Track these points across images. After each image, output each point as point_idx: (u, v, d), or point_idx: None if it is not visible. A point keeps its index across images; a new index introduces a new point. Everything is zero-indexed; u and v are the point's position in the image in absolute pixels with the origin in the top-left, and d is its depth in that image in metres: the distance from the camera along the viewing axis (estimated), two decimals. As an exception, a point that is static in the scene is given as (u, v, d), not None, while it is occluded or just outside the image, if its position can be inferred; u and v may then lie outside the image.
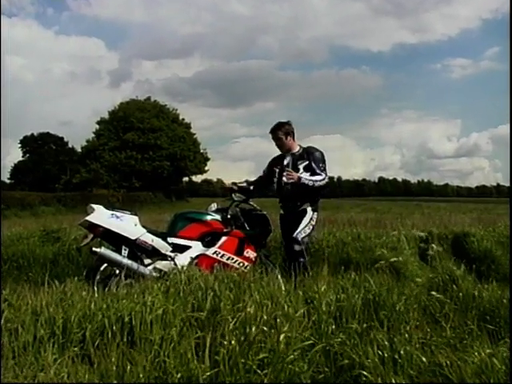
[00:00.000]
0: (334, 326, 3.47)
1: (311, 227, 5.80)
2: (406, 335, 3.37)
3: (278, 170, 5.99)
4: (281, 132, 5.90)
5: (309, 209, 5.80)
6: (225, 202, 6.23)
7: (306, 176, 5.66)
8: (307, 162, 5.78)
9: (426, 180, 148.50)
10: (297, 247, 5.67)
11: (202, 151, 65.15)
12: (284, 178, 5.72)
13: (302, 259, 5.59)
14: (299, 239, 5.69)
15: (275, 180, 6.02)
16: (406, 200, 63.40)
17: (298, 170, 5.73)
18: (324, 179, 5.71)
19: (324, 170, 5.78)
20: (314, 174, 5.70)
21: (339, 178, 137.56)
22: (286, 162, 5.91)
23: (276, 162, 6.08)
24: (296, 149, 5.95)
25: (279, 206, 6.07)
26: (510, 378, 2.81)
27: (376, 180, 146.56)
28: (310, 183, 5.62)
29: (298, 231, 5.71)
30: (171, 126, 60.74)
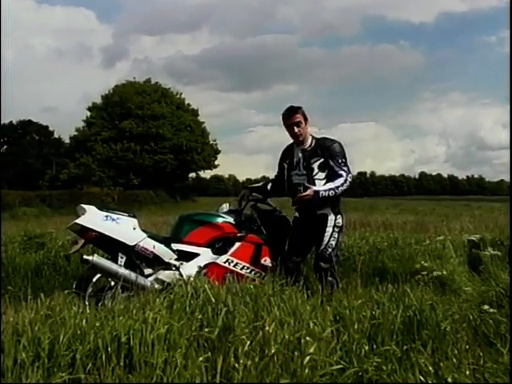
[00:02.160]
0: (367, 348, 3.46)
1: (337, 235, 5.66)
2: (454, 360, 3.34)
3: (286, 166, 5.84)
4: (299, 114, 5.67)
5: (329, 212, 5.62)
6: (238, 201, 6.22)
7: (322, 187, 5.46)
8: (322, 160, 5.58)
9: (476, 176, 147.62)
10: (324, 265, 5.57)
11: (211, 142, 65.28)
12: (301, 192, 5.49)
13: (331, 278, 5.51)
14: (326, 255, 5.59)
15: (285, 178, 5.86)
16: (453, 199, 63.12)
17: (311, 170, 5.61)
18: (346, 180, 5.50)
19: (345, 165, 5.58)
20: (331, 173, 5.53)
21: (372, 174, 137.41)
22: (296, 159, 5.74)
23: (285, 155, 5.94)
24: (308, 141, 5.73)
25: (294, 209, 5.95)
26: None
27: (416, 176, 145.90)
28: (332, 193, 5.42)
29: (322, 247, 5.59)
30: (175, 112, 60.91)
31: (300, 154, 5.71)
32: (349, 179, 5.52)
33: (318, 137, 5.79)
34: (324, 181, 5.55)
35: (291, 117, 5.68)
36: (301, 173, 5.68)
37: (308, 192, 5.40)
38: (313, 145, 5.68)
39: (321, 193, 5.41)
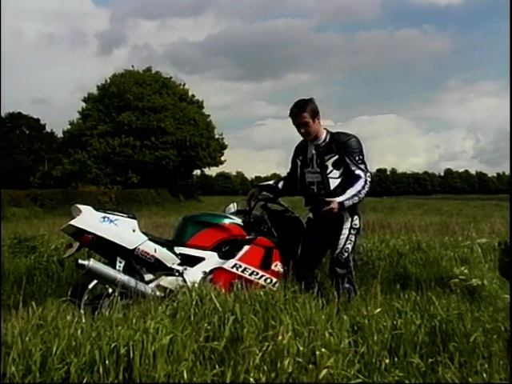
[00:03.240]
0: (388, 361, 3.46)
1: (354, 238, 5.63)
2: (484, 375, 3.33)
3: (299, 163, 5.82)
4: (307, 113, 5.57)
5: (345, 213, 5.56)
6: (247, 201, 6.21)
7: (345, 195, 5.36)
8: (337, 156, 5.53)
9: (507, 173, 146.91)
10: (340, 270, 5.55)
11: (217, 137, 65.51)
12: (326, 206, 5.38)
13: (347, 285, 5.50)
14: (342, 260, 5.57)
15: (298, 176, 5.84)
16: (482, 199, 62.94)
17: (325, 168, 5.57)
18: (366, 181, 5.44)
19: (362, 162, 5.51)
20: (347, 171, 5.49)
21: (393, 171, 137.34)
22: (309, 156, 5.72)
23: (299, 150, 5.92)
24: (322, 136, 5.67)
25: (307, 209, 5.93)
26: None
27: (442, 173, 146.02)
28: (356, 199, 5.38)
29: (338, 250, 5.56)
30: (178, 104, 61.10)
31: (313, 151, 5.68)
32: (368, 179, 5.47)
33: (333, 131, 5.74)
34: (339, 179, 5.53)
35: (297, 117, 5.62)
36: (314, 170, 5.66)
37: (332, 206, 5.33)
38: (327, 140, 5.63)
39: (346, 203, 5.34)
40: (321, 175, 5.61)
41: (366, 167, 5.52)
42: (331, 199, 5.39)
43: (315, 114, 5.59)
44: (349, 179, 5.47)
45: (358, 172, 5.44)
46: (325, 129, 5.70)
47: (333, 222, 5.54)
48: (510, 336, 3.72)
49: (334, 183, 5.54)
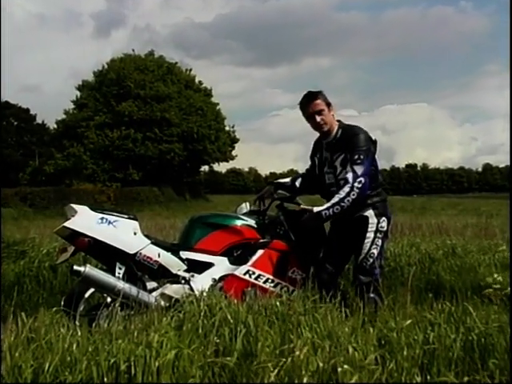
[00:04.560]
0: (419, 379, 3.45)
1: (380, 242, 5.61)
2: (528, 394, 3.32)
3: (317, 162, 5.84)
4: (321, 100, 5.59)
5: (371, 215, 5.56)
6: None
7: (325, 205, 5.36)
8: (343, 155, 5.50)
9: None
10: (364, 278, 5.55)
11: (227, 129, 65.61)
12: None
13: (373, 294, 5.48)
14: (366, 267, 5.57)
15: (317, 175, 5.86)
16: (525, 197, 62.56)
17: (334, 169, 5.59)
18: (353, 188, 5.26)
19: (361, 163, 5.36)
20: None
21: (424, 167, 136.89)
22: (325, 154, 5.72)
23: (317, 147, 5.93)
24: (333, 132, 5.66)
25: None
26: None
27: (479, 168, 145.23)
28: (337, 209, 5.30)
29: (362, 256, 5.56)
30: (184, 92, 61.23)
31: (325, 151, 5.72)
32: (356, 185, 5.31)
33: (346, 124, 5.72)
34: None
35: (310, 104, 5.60)
36: (330, 171, 5.68)
37: (307, 217, 5.45)
38: (338, 135, 5.62)
39: (324, 213, 5.35)
40: (333, 176, 5.63)
41: (363, 170, 5.36)
42: (308, 208, 5.49)
43: (328, 104, 5.62)
44: (340, 185, 5.46)
45: (347, 175, 5.36)
46: (338, 121, 5.70)
47: (357, 224, 5.54)
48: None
49: None
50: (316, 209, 5.38)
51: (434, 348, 3.74)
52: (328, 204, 5.34)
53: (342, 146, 5.52)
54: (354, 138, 5.45)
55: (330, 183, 5.67)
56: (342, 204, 5.29)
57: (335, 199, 5.31)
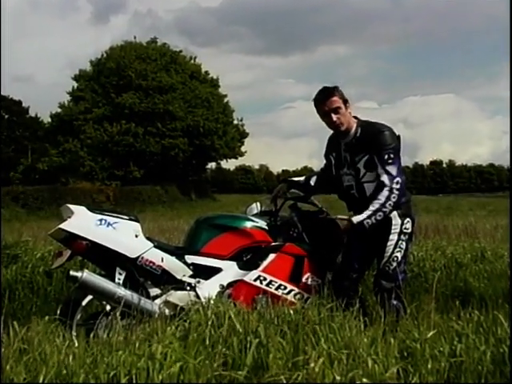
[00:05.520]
0: (446, 394, 3.45)
1: (404, 245, 5.58)
2: None
3: (333, 161, 5.82)
4: (337, 97, 5.54)
5: (395, 215, 5.51)
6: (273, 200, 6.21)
7: (365, 214, 5.33)
8: (368, 156, 5.47)
9: None
10: (386, 284, 5.51)
11: (236, 122, 65.55)
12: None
13: (395, 302, 5.42)
14: (389, 272, 5.54)
15: (334, 175, 5.83)
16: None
17: (357, 171, 5.54)
18: (392, 190, 5.33)
19: (393, 163, 5.38)
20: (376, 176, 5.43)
21: (451, 163, 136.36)
22: (343, 155, 5.68)
23: (332, 144, 5.92)
24: (352, 130, 5.62)
25: (346, 208, 5.92)
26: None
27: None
28: (380, 215, 5.32)
29: (385, 260, 5.53)
30: (189, 83, 61.20)
31: (343, 152, 5.68)
32: (395, 186, 5.34)
33: (365, 121, 5.70)
34: (375, 183, 5.47)
35: (326, 101, 5.55)
36: (349, 172, 5.66)
37: (346, 226, 5.47)
38: (358, 134, 5.59)
39: (366, 222, 5.34)
40: (355, 179, 5.60)
41: (396, 169, 5.39)
42: (345, 217, 5.51)
43: (345, 101, 5.58)
44: (376, 189, 5.43)
45: (382, 178, 5.36)
46: (355, 118, 5.68)
47: (379, 225, 5.47)
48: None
49: (369, 189, 5.50)
50: (355, 219, 5.35)
51: (461, 361, 3.72)
52: (368, 212, 5.32)
53: (364, 147, 5.49)
54: (379, 136, 5.43)
55: (348, 185, 5.65)
56: (384, 210, 5.31)
57: (376, 205, 5.31)
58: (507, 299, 6.29)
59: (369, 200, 5.40)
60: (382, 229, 5.49)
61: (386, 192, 5.30)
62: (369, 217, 5.30)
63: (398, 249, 5.52)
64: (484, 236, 11.48)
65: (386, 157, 5.34)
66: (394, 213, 5.49)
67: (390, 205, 5.30)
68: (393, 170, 5.34)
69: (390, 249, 5.50)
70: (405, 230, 5.56)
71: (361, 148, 5.50)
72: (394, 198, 5.30)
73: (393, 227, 5.51)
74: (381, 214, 5.30)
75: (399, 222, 5.52)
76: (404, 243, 5.56)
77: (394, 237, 5.51)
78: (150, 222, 18.89)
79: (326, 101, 5.54)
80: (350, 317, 4.47)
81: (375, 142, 5.41)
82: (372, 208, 5.31)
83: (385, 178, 5.33)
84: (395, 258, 5.51)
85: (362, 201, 5.51)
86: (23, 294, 7.87)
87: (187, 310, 4.80)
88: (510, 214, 11.52)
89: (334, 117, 5.51)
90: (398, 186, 5.32)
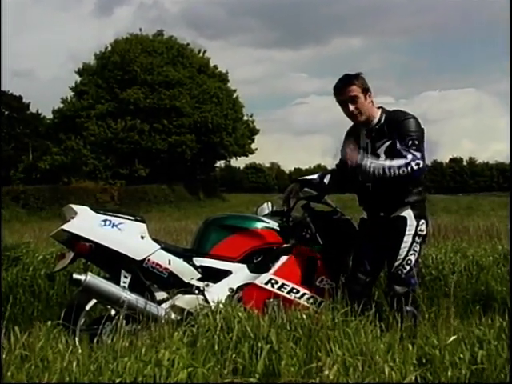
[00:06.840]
0: (466, 403, 3.44)
1: (418, 247, 5.55)
2: None
3: None
4: (356, 86, 5.49)
5: (410, 216, 5.49)
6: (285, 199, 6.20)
7: (372, 161, 5.30)
8: (389, 142, 5.42)
9: None
10: (399, 289, 5.49)
11: (246, 118, 65.46)
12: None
13: (409, 308, 5.40)
14: (402, 275, 5.50)
15: (349, 169, 5.69)
16: None
17: (377, 157, 5.42)
18: (408, 165, 5.22)
19: (417, 149, 5.30)
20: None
21: (471, 161, 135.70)
22: (363, 145, 5.62)
23: (350, 137, 5.84)
24: (376, 118, 5.58)
25: (361, 208, 5.90)
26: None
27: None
28: (380, 171, 5.25)
29: (397, 263, 5.49)
30: (197, 77, 61.17)
31: (366, 139, 5.63)
32: (413, 165, 5.23)
33: (390, 109, 5.66)
34: None
35: (343, 90, 5.52)
36: None
37: (349, 158, 5.40)
38: (382, 121, 5.55)
39: (367, 166, 5.30)
40: None
41: (419, 154, 5.29)
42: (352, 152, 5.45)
43: (366, 90, 5.52)
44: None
45: (405, 153, 5.26)
46: (380, 108, 5.64)
47: (392, 225, 5.49)
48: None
49: (385, 184, 5.40)
50: (362, 160, 5.33)
51: (482, 368, 3.71)
52: (376, 162, 5.29)
53: (387, 132, 5.45)
54: (405, 122, 5.39)
55: (363, 177, 5.57)
56: (387, 171, 5.23)
57: (385, 163, 5.27)
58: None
59: (389, 189, 5.37)
60: (395, 229, 5.49)
61: (402, 161, 5.22)
62: (371, 163, 5.28)
63: (412, 251, 5.48)
64: (506, 237, 11.42)
65: (410, 143, 5.27)
66: (410, 212, 5.47)
67: (394, 172, 5.21)
68: (417, 153, 5.26)
69: (403, 251, 5.46)
70: (420, 232, 5.52)
71: (384, 134, 5.46)
72: (403, 171, 5.21)
73: (407, 228, 5.47)
74: (381, 171, 5.24)
75: (414, 223, 5.49)
76: (418, 246, 5.53)
77: (408, 239, 5.47)
78: (156, 223, 18.93)
79: (343, 89, 5.50)
80: (366, 322, 4.47)
81: (400, 128, 5.36)
82: (380, 162, 5.30)
83: (407, 154, 5.23)
84: (409, 262, 5.47)
85: (375, 195, 5.53)
86: (24, 298, 7.87)
87: (195, 315, 4.80)
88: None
89: (351, 107, 5.47)
90: (416, 168, 5.22)
